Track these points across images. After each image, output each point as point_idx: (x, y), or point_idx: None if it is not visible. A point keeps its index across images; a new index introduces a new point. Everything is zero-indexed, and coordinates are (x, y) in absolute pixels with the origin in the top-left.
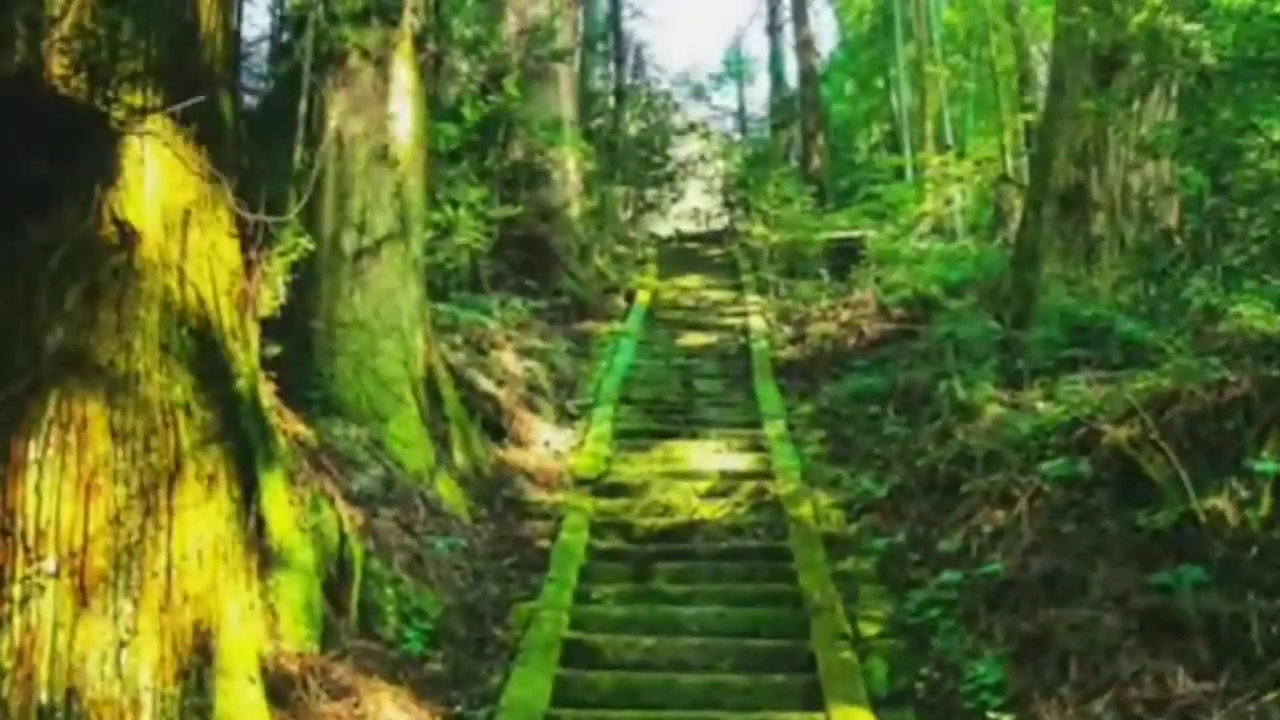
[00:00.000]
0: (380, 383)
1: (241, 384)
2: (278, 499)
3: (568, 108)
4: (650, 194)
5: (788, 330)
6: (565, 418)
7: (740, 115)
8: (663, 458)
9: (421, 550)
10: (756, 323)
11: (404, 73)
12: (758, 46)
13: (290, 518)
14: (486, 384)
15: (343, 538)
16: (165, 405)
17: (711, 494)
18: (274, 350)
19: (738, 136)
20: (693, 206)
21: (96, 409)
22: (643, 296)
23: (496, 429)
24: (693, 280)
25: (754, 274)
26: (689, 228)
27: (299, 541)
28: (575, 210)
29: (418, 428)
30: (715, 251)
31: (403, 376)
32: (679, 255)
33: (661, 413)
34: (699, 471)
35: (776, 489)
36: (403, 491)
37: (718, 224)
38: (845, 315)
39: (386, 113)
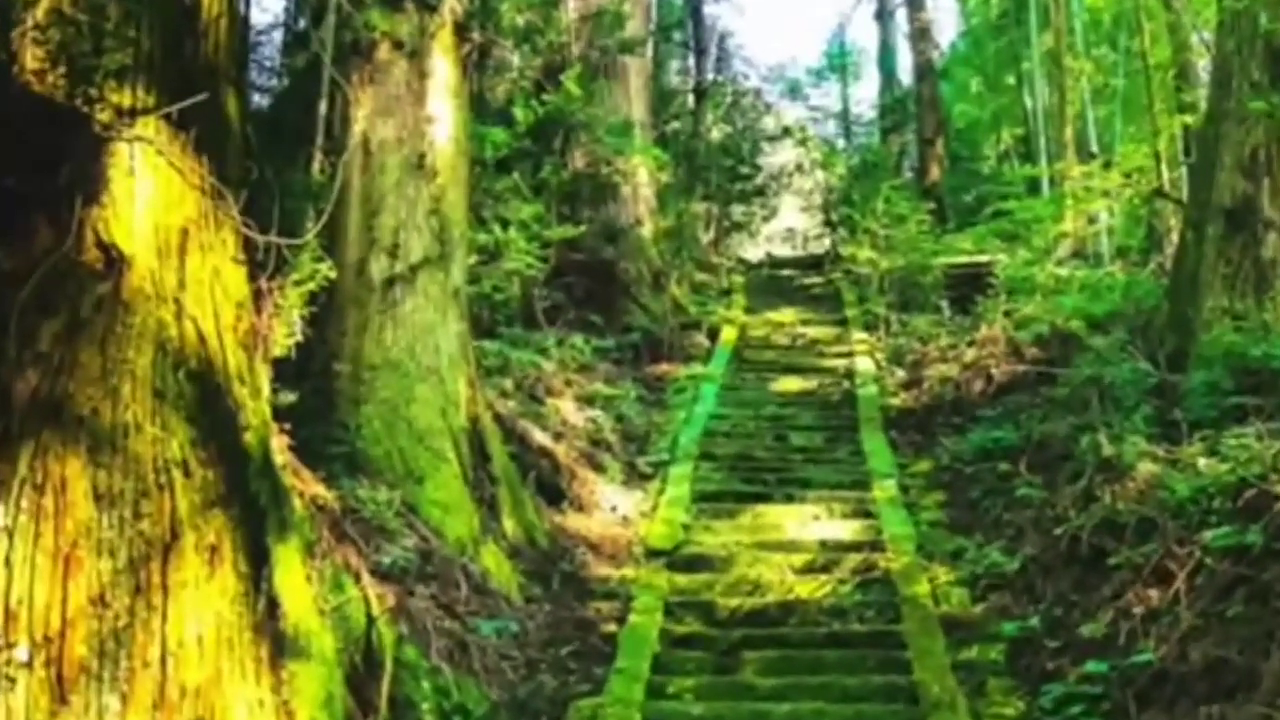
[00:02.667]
0: (415, 436)
1: (250, 437)
2: (293, 575)
3: (638, 108)
4: (737, 211)
5: (900, 373)
6: (635, 477)
7: (844, 117)
8: (751, 525)
9: (464, 635)
10: (863, 364)
11: (443, 67)
12: (865, 36)
13: (308, 597)
14: (542, 438)
15: (370, 620)
16: (159, 463)
17: (809, 569)
18: (289, 397)
19: (841, 143)
20: (787, 226)
21: (77, 468)
22: (728, 333)
23: (553, 491)
24: (787, 314)
25: (860, 307)
26: (783, 251)
27: (318, 625)
28: (647, 230)
29: (459, 489)
30: (814, 280)
31: (442, 428)
32: (771, 284)
33: (750, 471)
34: (794, 542)
35: (887, 562)
36: (442, 565)
37: (817, 247)
38: (969, 355)
39: (422, 114)
